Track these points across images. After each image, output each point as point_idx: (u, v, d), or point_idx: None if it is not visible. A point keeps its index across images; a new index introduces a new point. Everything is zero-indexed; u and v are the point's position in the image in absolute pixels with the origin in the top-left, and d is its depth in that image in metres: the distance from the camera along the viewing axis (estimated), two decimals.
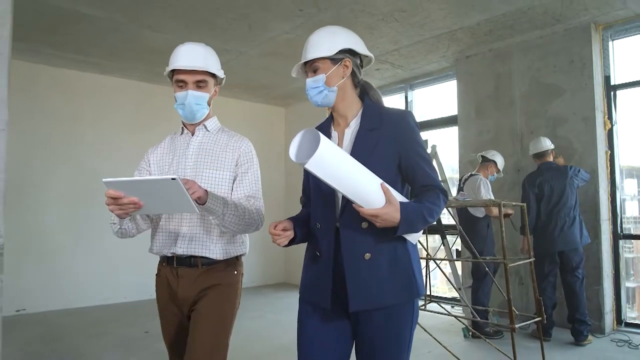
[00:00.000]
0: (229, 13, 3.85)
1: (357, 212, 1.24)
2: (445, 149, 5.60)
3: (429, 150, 4.51)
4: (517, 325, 2.26)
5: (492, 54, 4.70)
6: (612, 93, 4.13)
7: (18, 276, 4.70)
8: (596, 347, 3.53)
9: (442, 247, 3.95)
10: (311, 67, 1.38)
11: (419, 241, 3.81)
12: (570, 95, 4.15)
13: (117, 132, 5.53)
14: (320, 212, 1.39)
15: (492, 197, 3.82)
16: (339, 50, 1.37)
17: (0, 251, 1.93)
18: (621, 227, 4.12)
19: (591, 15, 3.93)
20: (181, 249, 1.55)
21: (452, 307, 4.87)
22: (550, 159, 3.87)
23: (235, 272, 1.62)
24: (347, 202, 1.30)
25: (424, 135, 5.58)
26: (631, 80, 4.11)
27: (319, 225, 1.39)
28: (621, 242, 4.11)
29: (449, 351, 3.05)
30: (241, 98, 6.63)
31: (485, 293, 3.85)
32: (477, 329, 3.62)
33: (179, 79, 1.56)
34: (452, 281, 3.83)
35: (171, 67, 1.56)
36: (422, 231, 1.35)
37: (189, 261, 1.55)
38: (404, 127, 1.35)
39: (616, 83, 4.15)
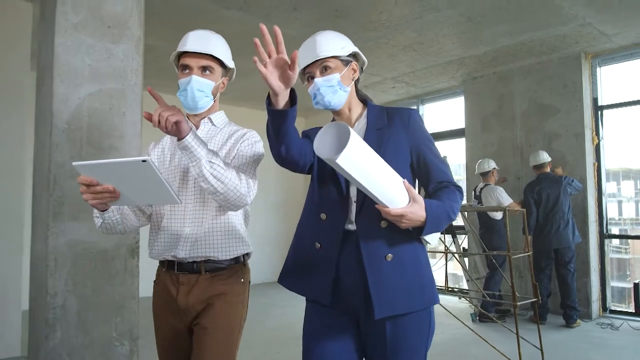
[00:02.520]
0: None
1: (373, 210, 1.19)
2: (454, 158, 6.28)
3: None
4: (518, 303, 2.92)
5: (495, 76, 5.36)
6: (599, 113, 4.80)
7: None
8: (584, 329, 4.20)
9: (453, 244, 4.63)
10: (321, 66, 1.31)
11: (440, 238, 4.49)
12: (564, 114, 4.81)
13: None
14: (329, 205, 1.31)
15: (510, 200, 4.53)
16: (349, 54, 1.35)
17: None
18: (606, 228, 4.78)
19: (581, 47, 4.59)
20: (183, 252, 1.40)
21: (460, 298, 5.53)
22: (548, 169, 4.53)
23: (242, 280, 1.47)
24: (363, 201, 1.25)
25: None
26: (616, 102, 4.78)
27: (324, 216, 1.31)
28: (606, 240, 4.77)
29: (469, 327, 3.71)
30: (259, 108, 7.21)
31: (496, 282, 4.52)
32: (485, 310, 4.28)
33: (183, 63, 1.43)
34: (468, 272, 4.51)
35: (177, 51, 1.46)
36: (441, 231, 1.29)
37: (192, 267, 1.41)
38: (413, 123, 1.32)
39: (603, 104, 4.81)
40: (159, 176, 1.08)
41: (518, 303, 2.90)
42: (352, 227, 1.28)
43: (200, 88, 1.42)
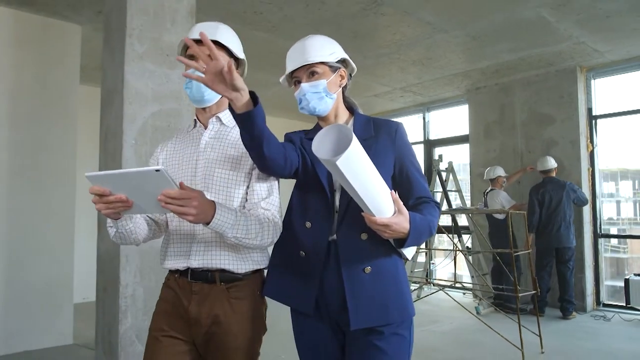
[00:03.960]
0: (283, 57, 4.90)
1: (355, 222, 1.20)
2: (459, 161, 6.67)
3: (445, 166, 5.63)
4: (520, 295, 3.31)
5: (497, 87, 5.76)
6: (593, 122, 5.20)
7: None
8: (578, 320, 4.60)
9: (459, 243, 5.02)
10: (308, 71, 1.30)
11: (449, 235, 4.89)
12: (560, 123, 5.21)
13: None
14: (314, 214, 1.30)
15: (511, 202, 5.00)
16: (338, 60, 1.35)
17: None
18: (600, 228, 5.18)
19: (577, 61, 4.99)
20: (196, 261, 1.31)
21: (464, 294, 5.93)
22: (553, 174, 4.91)
23: (259, 293, 1.37)
24: (345, 209, 1.26)
25: (439, 150, 6.66)
26: (609, 112, 5.17)
27: (309, 225, 1.30)
28: (600, 239, 5.16)
29: (478, 318, 4.10)
30: (279, 116, 7.64)
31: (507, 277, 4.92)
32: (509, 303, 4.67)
33: (189, 54, 1.36)
34: (475, 269, 4.91)
35: (181, 42, 1.39)
36: (416, 247, 1.29)
37: (206, 276, 1.31)
38: (399, 138, 1.33)
39: (597, 114, 5.21)
40: (173, 185, 1.06)
41: (520, 295, 3.29)
42: (332, 237, 1.28)
43: None
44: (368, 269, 1.24)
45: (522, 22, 3.94)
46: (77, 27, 3.95)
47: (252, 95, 1.11)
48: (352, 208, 1.23)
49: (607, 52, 4.68)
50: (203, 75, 1.09)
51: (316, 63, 1.31)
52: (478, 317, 4.26)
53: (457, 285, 4.81)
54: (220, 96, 1.37)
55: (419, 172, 1.34)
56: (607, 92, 5.26)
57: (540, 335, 3.58)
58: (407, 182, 1.32)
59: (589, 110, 5.20)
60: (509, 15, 3.83)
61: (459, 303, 4.00)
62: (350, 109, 1.42)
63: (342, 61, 1.37)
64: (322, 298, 1.28)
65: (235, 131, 1.40)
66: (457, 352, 3.57)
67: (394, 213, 1.14)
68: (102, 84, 2.96)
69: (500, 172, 5.16)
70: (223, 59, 1.10)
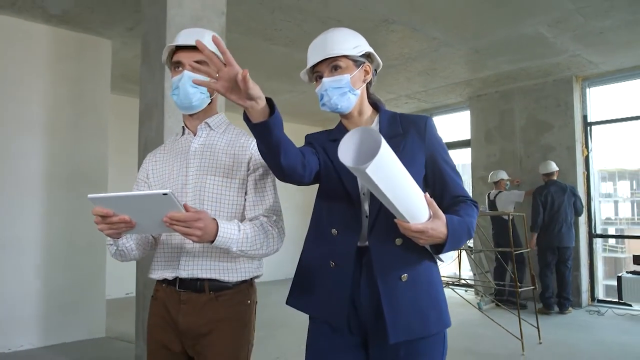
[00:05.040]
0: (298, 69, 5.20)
1: (387, 226, 1.13)
2: (458, 163, 6.97)
3: None
4: (520, 290, 3.62)
5: (498, 95, 6.07)
6: (588, 128, 5.51)
7: None
8: (574, 315, 4.91)
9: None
10: (330, 65, 1.22)
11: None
12: (557, 129, 5.51)
13: None
14: (340, 220, 1.23)
15: (521, 196, 5.36)
16: (362, 54, 1.26)
17: None
18: (595, 228, 5.49)
19: (573, 72, 5.30)
20: (185, 271, 1.28)
21: (466, 291, 6.23)
22: (555, 177, 5.21)
23: (249, 302, 1.34)
24: (377, 214, 1.18)
25: None
26: (603, 119, 5.49)
27: (335, 232, 1.23)
28: (595, 239, 5.48)
29: (481, 311, 4.41)
30: (289, 121, 7.95)
31: (524, 274, 5.23)
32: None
33: (175, 60, 1.32)
34: (480, 267, 5.23)
35: (167, 46, 1.34)
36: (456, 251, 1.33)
37: (195, 285, 1.28)
38: (429, 133, 1.24)
39: (592, 121, 5.52)
40: (179, 207, 1.04)
41: (520, 290, 3.60)
42: (362, 243, 1.20)
43: (193, 84, 1.27)
44: (404, 276, 1.16)
45: (521, 37, 4.25)
46: (107, 41, 4.24)
47: (269, 102, 1.03)
48: (384, 212, 1.15)
49: (601, 63, 4.99)
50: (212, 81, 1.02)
51: (339, 57, 1.22)
52: (481, 311, 4.56)
53: (461, 282, 5.12)
54: (209, 102, 1.35)
55: (453, 169, 1.25)
56: (601, 100, 5.57)
57: (538, 328, 3.89)
58: (440, 181, 1.23)
59: (584, 117, 5.51)
60: (509, 32, 4.13)
61: (464, 299, 4.31)
62: (375, 105, 1.33)
63: (367, 55, 1.28)
64: (353, 308, 1.21)
65: (226, 137, 1.37)
66: (462, 343, 3.87)
67: (429, 217, 1.06)
68: (141, 99, 3.24)
69: (503, 175, 5.49)
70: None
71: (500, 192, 5.48)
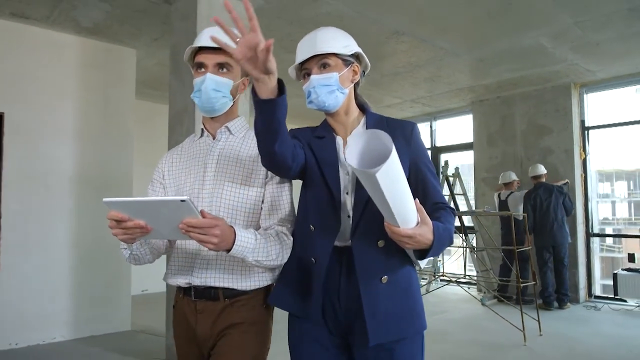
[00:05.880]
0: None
1: (371, 228, 1.15)
2: (458, 164, 7.23)
3: (452, 171, 6.20)
4: (521, 285, 3.87)
5: (499, 100, 6.33)
6: (586, 132, 5.78)
7: None
8: (573, 310, 5.18)
9: (465, 242, 5.59)
10: (320, 62, 1.22)
11: (460, 235, 5.46)
12: (556, 133, 5.78)
13: None
14: (318, 216, 1.23)
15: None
16: (352, 53, 1.26)
17: None
18: (592, 227, 5.76)
19: (571, 79, 5.56)
20: (198, 279, 1.27)
21: (469, 288, 6.49)
22: (544, 179, 5.47)
23: (265, 306, 1.32)
24: (360, 216, 1.18)
25: (445, 156, 7.23)
26: (600, 124, 5.76)
27: (312, 228, 1.23)
28: (592, 239, 5.74)
29: (484, 305, 4.66)
30: (294, 123, 8.21)
31: (527, 271, 5.48)
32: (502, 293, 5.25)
33: (198, 61, 1.30)
34: (484, 264, 5.49)
35: (190, 47, 1.32)
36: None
37: (209, 293, 1.27)
38: (415, 139, 1.25)
39: (589, 125, 5.79)
40: (197, 214, 1.01)
41: (522, 285, 3.85)
42: (344, 243, 1.21)
43: (216, 87, 1.27)
44: (385, 278, 1.18)
45: (523, 48, 4.50)
46: (132, 50, 4.48)
47: (279, 83, 1.02)
48: (368, 213, 1.17)
49: (598, 71, 5.26)
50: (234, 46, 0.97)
51: (328, 54, 1.23)
52: (486, 305, 4.82)
53: (465, 279, 5.38)
54: (231, 105, 1.33)
55: (434, 175, 1.27)
56: (598, 105, 5.84)
57: (539, 321, 4.15)
58: (422, 186, 1.24)
59: (582, 122, 5.77)
60: (512, 43, 4.39)
61: (470, 294, 4.57)
62: (362, 107, 1.34)
63: (356, 56, 1.29)
64: (332, 307, 1.22)
65: (245, 143, 1.35)
66: (467, 335, 4.13)
67: (417, 223, 1.05)
68: (170, 107, 3.48)
69: (514, 176, 5.78)
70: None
71: (512, 192, 5.74)
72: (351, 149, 1.00)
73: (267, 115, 1.03)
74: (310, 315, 1.21)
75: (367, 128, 1.26)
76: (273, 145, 1.08)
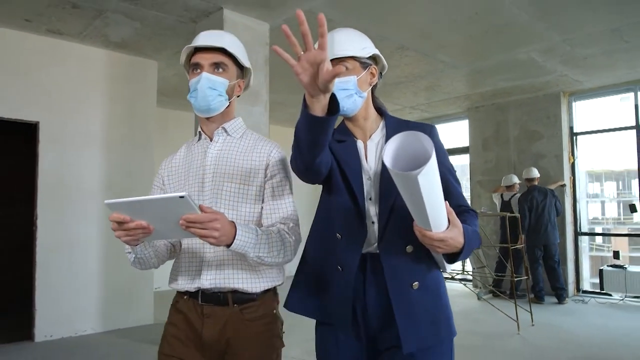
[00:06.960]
0: None
1: (398, 233, 1.14)
2: (459, 168, 7.60)
3: None
4: (515, 279, 4.24)
5: (494, 107, 6.72)
6: (574, 138, 6.18)
7: None
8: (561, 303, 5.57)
9: None
10: (337, 66, 1.07)
11: None
12: (547, 139, 6.17)
13: None
14: (343, 222, 1.22)
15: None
16: (370, 55, 1.23)
17: None
18: (580, 227, 6.16)
19: (560, 88, 5.96)
20: (207, 282, 1.25)
21: (465, 284, 6.86)
22: (536, 182, 5.85)
23: (275, 312, 1.32)
24: (387, 222, 1.17)
25: None
26: (588, 130, 6.16)
27: (339, 236, 1.22)
28: (580, 237, 6.15)
29: (480, 299, 5.03)
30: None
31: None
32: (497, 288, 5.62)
33: (194, 62, 1.30)
34: (482, 261, 5.85)
35: (186, 47, 1.32)
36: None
37: (218, 297, 1.25)
38: (434, 140, 1.21)
39: (577, 131, 6.19)
40: (196, 210, 1.02)
41: (515, 279, 4.22)
42: (367, 249, 1.20)
43: (212, 86, 1.27)
44: (416, 284, 1.16)
45: (516, 61, 4.88)
46: (154, 62, 4.79)
47: (332, 100, 1.01)
48: (395, 218, 1.16)
49: (586, 81, 5.66)
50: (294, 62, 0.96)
51: (346, 57, 1.20)
52: (482, 299, 5.19)
53: (462, 275, 5.75)
54: (227, 105, 1.32)
55: (455, 178, 1.25)
56: (586, 113, 6.25)
57: (531, 312, 4.53)
58: (444, 190, 1.15)
59: (571, 128, 6.18)
60: (506, 57, 4.76)
61: (469, 288, 4.93)
62: (380, 110, 1.32)
63: (373, 58, 1.27)
64: (361, 315, 1.20)
65: (243, 142, 1.33)
66: (465, 326, 4.49)
67: (447, 226, 1.04)
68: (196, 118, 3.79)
69: (515, 179, 6.15)
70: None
71: (515, 194, 6.10)
72: (387, 152, 0.98)
73: (317, 132, 1.02)
74: (340, 323, 1.20)
75: (387, 131, 1.25)
76: (315, 159, 1.09)
